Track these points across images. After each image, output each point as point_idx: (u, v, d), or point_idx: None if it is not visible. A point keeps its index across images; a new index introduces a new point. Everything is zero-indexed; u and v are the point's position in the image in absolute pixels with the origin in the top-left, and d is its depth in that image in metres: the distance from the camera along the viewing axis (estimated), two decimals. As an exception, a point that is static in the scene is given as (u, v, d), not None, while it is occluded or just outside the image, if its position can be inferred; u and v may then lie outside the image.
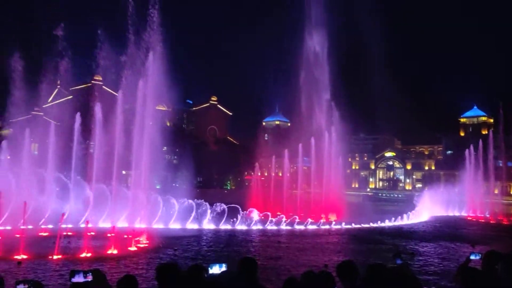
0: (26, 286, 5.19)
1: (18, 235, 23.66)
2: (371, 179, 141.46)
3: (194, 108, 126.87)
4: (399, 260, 5.18)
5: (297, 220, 41.69)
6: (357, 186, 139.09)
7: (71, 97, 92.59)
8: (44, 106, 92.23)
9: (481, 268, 5.49)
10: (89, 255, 22.59)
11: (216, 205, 38.88)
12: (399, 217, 46.15)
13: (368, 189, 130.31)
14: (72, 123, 40.01)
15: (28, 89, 40.91)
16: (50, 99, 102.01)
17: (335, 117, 60.79)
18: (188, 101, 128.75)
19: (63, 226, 26.75)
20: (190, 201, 38.65)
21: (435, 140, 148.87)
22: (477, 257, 5.44)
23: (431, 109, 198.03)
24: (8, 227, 28.92)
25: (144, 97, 35.90)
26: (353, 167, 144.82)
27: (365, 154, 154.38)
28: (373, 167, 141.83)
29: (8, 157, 39.69)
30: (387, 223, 43.66)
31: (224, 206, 39.06)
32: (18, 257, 21.06)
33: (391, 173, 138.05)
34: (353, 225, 40.73)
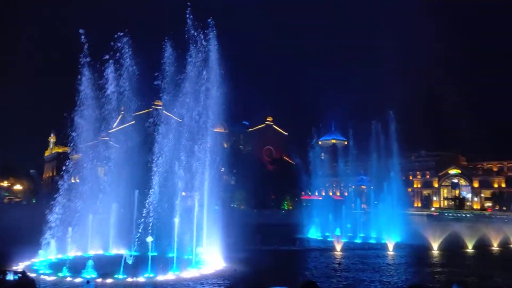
0: None
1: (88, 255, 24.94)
2: (434, 198, 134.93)
3: (250, 129, 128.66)
4: (455, 286, 4.95)
5: (357, 241, 40.61)
6: (419, 205, 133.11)
7: (133, 122, 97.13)
8: (109, 131, 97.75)
9: None
10: (151, 275, 23.33)
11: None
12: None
13: (433, 209, 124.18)
14: (135, 147, 41.88)
15: (96, 116, 43.48)
16: (115, 124, 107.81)
17: (394, 134, 59.05)
18: (244, 122, 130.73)
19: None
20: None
21: (504, 156, 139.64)
22: None
23: (498, 122, 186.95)
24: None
25: (202, 120, 36.94)
26: (415, 186, 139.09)
27: (427, 172, 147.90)
28: (436, 185, 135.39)
29: (78, 180, 42.14)
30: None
31: None
32: (87, 276, 22.25)
33: (457, 192, 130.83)
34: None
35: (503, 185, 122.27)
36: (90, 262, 23.01)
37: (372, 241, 44.08)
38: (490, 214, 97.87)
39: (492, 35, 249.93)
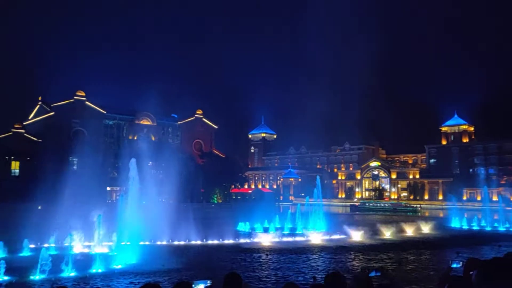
0: None
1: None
2: (357, 189, 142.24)
3: (179, 122, 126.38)
4: (374, 272, 5.20)
5: (284, 232, 41.66)
6: (343, 196, 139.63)
7: (53, 113, 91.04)
8: (25, 123, 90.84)
9: (463, 275, 5.56)
10: (72, 273, 22.17)
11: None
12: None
13: (355, 199, 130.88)
14: (55, 140, 39.41)
15: (9, 105, 40.31)
16: (31, 115, 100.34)
17: (320, 129, 61.26)
18: (173, 115, 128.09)
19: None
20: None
21: (418, 149, 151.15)
22: (459, 265, 5.48)
23: (414, 118, 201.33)
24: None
25: (129, 112, 35.69)
26: (340, 177, 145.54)
27: (351, 165, 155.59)
28: (359, 177, 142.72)
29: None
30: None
31: None
32: (-1, 279, 20.63)
33: (377, 183, 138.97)
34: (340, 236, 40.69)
35: (417, 176, 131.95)
36: (2, 264, 21.31)
37: (299, 231, 45.43)
38: (405, 203, 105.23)
39: (414, 35, 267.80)
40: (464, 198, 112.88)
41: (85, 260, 24.19)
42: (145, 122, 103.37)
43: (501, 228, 52.52)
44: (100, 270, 23.30)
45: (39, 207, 34.11)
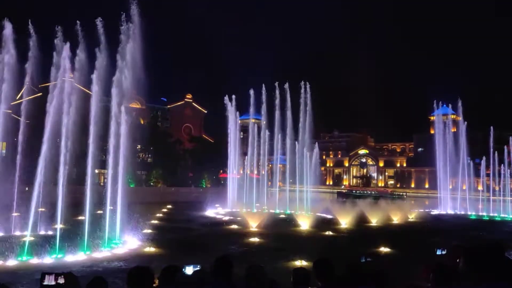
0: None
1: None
2: (345, 176, 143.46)
3: (168, 106, 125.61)
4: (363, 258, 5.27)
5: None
6: (331, 183, 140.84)
7: (40, 94, 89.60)
8: (12, 103, 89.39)
9: (448, 262, 5.68)
10: (60, 256, 22.13)
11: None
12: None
13: (342, 186, 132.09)
14: (42, 121, 38.58)
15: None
16: (18, 96, 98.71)
17: (309, 115, 61.44)
18: (162, 98, 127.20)
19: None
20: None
21: (406, 138, 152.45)
22: (443, 252, 5.60)
23: (404, 107, 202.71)
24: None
25: (117, 94, 35.04)
26: (328, 164, 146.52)
27: (339, 152, 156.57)
28: (347, 164, 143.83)
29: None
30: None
31: None
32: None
33: (364, 170, 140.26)
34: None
35: (404, 164, 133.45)
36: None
37: (288, 214, 45.86)
38: (391, 191, 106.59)
39: (406, 26, 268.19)
40: (450, 187, 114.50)
41: (74, 243, 24.13)
42: (134, 105, 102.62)
43: (485, 217, 53.60)
44: (87, 253, 23.31)
45: (26, 189, 33.78)
